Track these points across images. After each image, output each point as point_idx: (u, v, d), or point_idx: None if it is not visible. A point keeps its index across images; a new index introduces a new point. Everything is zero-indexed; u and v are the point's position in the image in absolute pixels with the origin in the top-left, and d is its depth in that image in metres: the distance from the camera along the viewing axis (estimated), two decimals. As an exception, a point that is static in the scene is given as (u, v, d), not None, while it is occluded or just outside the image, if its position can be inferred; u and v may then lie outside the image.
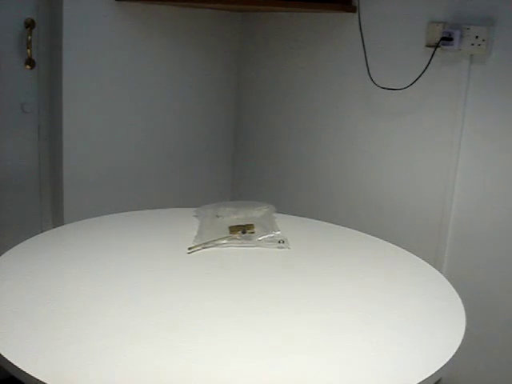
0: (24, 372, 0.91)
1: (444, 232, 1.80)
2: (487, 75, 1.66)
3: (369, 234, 1.66)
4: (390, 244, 1.57)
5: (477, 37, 1.64)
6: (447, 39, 1.68)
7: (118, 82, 2.08)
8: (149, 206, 2.25)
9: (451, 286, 1.32)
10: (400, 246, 1.58)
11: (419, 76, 1.81)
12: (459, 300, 1.25)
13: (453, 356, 1.03)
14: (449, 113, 1.76)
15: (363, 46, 1.95)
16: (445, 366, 1.00)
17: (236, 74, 2.41)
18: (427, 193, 1.85)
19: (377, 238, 1.60)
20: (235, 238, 1.50)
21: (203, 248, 1.46)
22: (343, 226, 1.71)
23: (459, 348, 1.06)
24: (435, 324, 1.14)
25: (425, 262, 1.45)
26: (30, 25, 1.90)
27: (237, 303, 1.18)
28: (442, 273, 1.79)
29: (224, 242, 1.49)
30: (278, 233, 1.53)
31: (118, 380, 0.90)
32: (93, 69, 2.00)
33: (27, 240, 1.43)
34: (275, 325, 1.10)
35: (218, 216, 1.62)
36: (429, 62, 1.77)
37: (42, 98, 2.00)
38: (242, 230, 1.52)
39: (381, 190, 1.98)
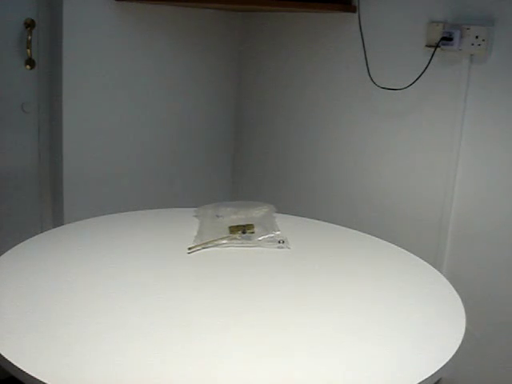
0: (24, 372, 0.91)
1: (444, 232, 1.80)
2: (487, 75, 1.66)
3: (369, 234, 1.66)
4: (390, 244, 1.57)
5: (477, 37, 1.64)
6: (447, 39, 1.68)
7: (118, 82, 2.08)
8: (149, 206, 2.25)
9: (451, 286, 1.32)
10: (400, 246, 1.58)
11: (419, 76, 1.81)
12: (459, 300, 1.25)
13: (453, 356, 1.03)
14: (449, 113, 1.76)
15: (363, 46, 1.95)
16: (445, 366, 1.00)
17: (236, 73, 2.41)
18: (427, 193, 1.85)
19: (377, 238, 1.60)
20: (235, 238, 1.50)
21: (203, 248, 1.46)
22: (343, 226, 1.71)
23: (459, 348, 1.06)
24: (435, 324, 1.14)
25: (425, 262, 1.45)
26: (30, 25, 1.90)
27: (236, 303, 1.18)
28: (442, 273, 1.79)
29: (224, 241, 1.49)
30: (278, 233, 1.53)
31: (118, 379, 0.90)
32: (93, 69, 2.00)
33: (27, 240, 1.43)
34: (275, 325, 1.10)
35: (218, 216, 1.62)
36: (429, 62, 1.77)
37: (42, 98, 2.00)
38: (242, 229, 1.52)
39: (381, 190, 1.98)
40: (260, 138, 2.37)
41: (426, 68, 1.77)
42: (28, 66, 1.93)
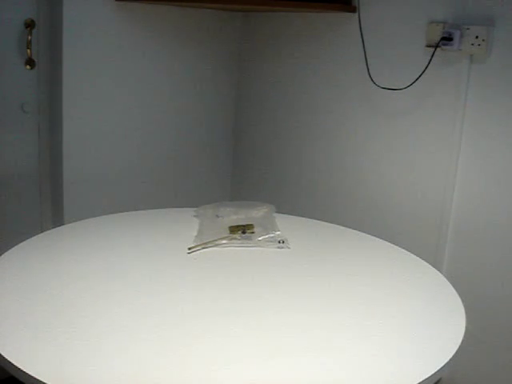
0: (24, 372, 0.91)
1: (444, 232, 1.80)
2: (487, 75, 1.66)
3: (369, 233, 1.66)
4: (390, 244, 1.57)
5: (477, 37, 1.64)
6: (447, 39, 1.68)
7: (118, 82, 2.08)
8: (149, 206, 2.25)
9: (451, 286, 1.32)
10: (400, 246, 1.58)
11: (419, 76, 1.81)
12: (459, 300, 1.25)
13: (453, 356, 1.03)
14: (449, 113, 1.76)
15: (363, 46, 1.95)
16: (445, 365, 1.00)
17: (236, 74, 2.41)
18: (427, 193, 1.85)
19: (377, 238, 1.60)
20: (235, 238, 1.50)
21: (203, 248, 1.46)
22: (343, 225, 1.71)
23: (459, 348, 1.06)
24: (435, 324, 1.14)
25: (425, 262, 1.45)
26: (30, 25, 1.90)
27: (237, 303, 1.18)
28: (442, 273, 1.79)
29: (224, 241, 1.49)
30: (278, 233, 1.53)
31: (117, 380, 0.90)
32: (93, 69, 2.00)
33: (27, 240, 1.43)
34: (275, 325, 1.10)
35: (218, 216, 1.62)
36: (429, 62, 1.77)
37: (42, 98, 2.00)
38: (242, 229, 1.52)
39: (381, 190, 1.98)
40: (260, 138, 2.37)
41: (426, 68, 1.77)
42: (28, 66, 1.93)
